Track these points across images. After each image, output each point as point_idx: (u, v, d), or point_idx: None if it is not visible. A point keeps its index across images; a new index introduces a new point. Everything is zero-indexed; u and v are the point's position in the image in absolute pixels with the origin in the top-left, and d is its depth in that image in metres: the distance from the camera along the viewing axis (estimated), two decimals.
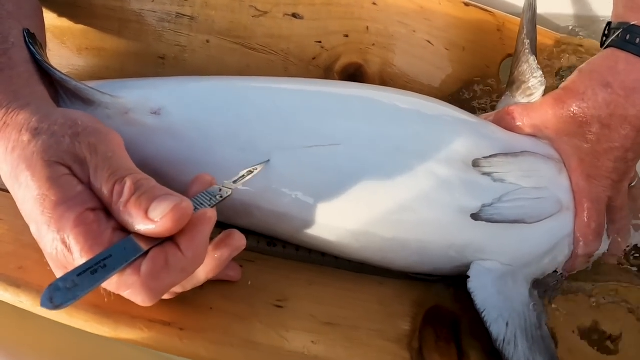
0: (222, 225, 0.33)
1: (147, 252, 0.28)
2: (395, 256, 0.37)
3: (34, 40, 0.37)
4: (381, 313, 0.37)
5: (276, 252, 0.40)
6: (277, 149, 0.35)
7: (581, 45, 0.51)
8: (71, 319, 0.33)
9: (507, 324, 0.37)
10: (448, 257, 0.38)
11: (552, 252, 0.40)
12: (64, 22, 0.46)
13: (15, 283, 0.33)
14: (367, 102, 0.37)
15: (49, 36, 0.46)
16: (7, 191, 0.40)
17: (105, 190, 0.29)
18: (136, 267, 0.28)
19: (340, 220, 0.35)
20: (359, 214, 0.35)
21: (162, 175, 0.36)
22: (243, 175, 0.34)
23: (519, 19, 0.48)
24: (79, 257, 0.27)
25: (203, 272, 0.32)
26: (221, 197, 0.31)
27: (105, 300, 0.30)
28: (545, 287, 0.44)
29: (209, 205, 0.30)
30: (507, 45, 0.47)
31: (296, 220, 0.36)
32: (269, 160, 0.35)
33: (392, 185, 0.35)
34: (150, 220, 0.27)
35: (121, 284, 0.28)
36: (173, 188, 0.29)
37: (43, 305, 0.24)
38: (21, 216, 0.36)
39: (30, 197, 0.29)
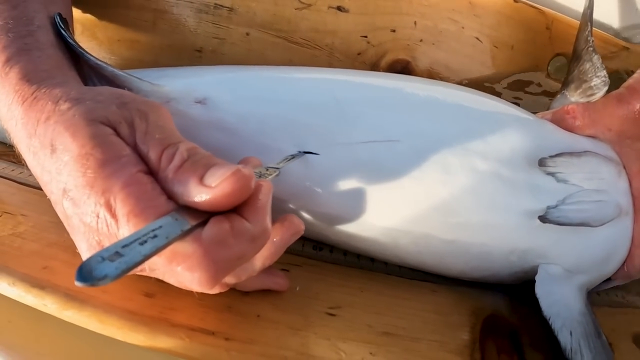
0: None
1: (200, 226, 0.24)
2: (454, 261, 0.35)
3: (65, 25, 0.35)
4: (439, 323, 0.34)
5: (323, 256, 0.37)
6: (331, 144, 0.32)
7: (627, 48, 0.49)
8: (103, 325, 0.30)
9: (570, 333, 0.35)
10: (509, 262, 0.35)
11: (609, 258, 0.38)
12: (96, 13, 0.44)
13: (40, 284, 0.29)
14: (428, 97, 0.35)
15: (79, 28, 0.44)
16: (32, 186, 0.38)
17: (152, 155, 0.25)
18: (195, 235, 0.23)
19: (397, 222, 0.33)
20: (418, 215, 0.33)
21: None
22: (286, 158, 0.31)
23: (568, 18, 0.46)
24: (124, 224, 0.23)
25: (260, 258, 0.28)
26: (270, 174, 0.28)
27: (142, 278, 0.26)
28: (596, 295, 0.42)
29: None
30: (556, 44, 0.45)
31: (349, 222, 0.33)
32: (316, 154, 0.32)
33: (454, 185, 0.33)
34: (206, 186, 0.24)
35: (176, 255, 0.23)
36: None
37: (79, 279, 0.19)
38: (46, 212, 0.34)
39: (69, 159, 0.25)
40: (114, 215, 0.24)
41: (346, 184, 0.32)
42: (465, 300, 0.37)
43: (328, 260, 0.37)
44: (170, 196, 0.25)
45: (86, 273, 0.19)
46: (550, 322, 0.34)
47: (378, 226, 0.33)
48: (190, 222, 0.23)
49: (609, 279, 0.40)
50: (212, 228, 0.24)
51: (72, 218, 0.26)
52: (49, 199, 0.29)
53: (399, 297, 0.35)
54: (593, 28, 0.40)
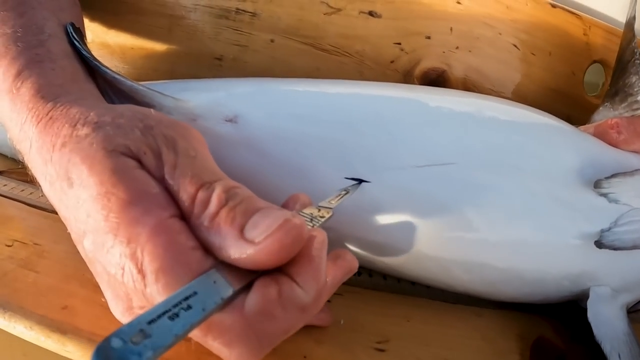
0: None
1: (238, 294, 0.20)
2: (507, 288, 0.33)
3: (78, 35, 0.32)
4: (488, 350, 0.33)
5: (363, 281, 0.35)
6: (382, 169, 0.30)
7: None
8: None
9: (619, 355, 0.33)
10: (561, 286, 0.34)
11: None
12: (106, 19, 0.41)
13: (60, 328, 0.26)
14: (479, 114, 0.33)
15: (89, 35, 0.41)
16: (44, 209, 0.35)
17: (184, 196, 0.21)
18: (236, 305, 0.20)
19: (451, 250, 0.31)
20: (473, 244, 0.31)
21: None
22: (340, 195, 0.28)
23: (606, 24, 0.44)
24: (152, 282, 0.20)
25: None
26: (322, 217, 0.25)
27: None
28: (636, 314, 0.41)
29: (312, 227, 0.24)
30: (593, 51, 0.43)
31: (399, 252, 0.31)
32: (364, 181, 0.30)
33: (511, 210, 0.31)
34: (248, 241, 0.20)
35: (213, 328, 0.20)
36: None
37: None
38: (61, 240, 0.31)
39: (87, 197, 0.21)
40: (140, 270, 0.20)
41: (397, 212, 0.30)
42: (511, 323, 0.35)
43: (368, 285, 0.35)
44: (207, 247, 0.21)
45: None
46: (603, 347, 0.33)
47: (430, 256, 0.31)
48: (232, 285, 0.20)
49: None
50: (256, 296, 0.20)
51: (95, 264, 0.23)
52: (62, 223, 0.25)
53: (445, 325, 0.34)
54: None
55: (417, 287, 0.36)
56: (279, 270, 0.21)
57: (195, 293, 0.18)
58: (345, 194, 0.28)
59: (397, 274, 0.34)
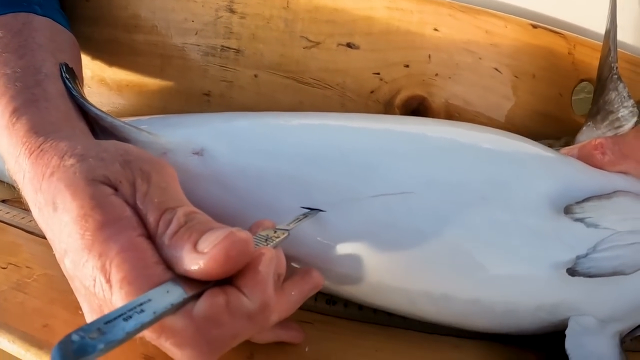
0: None
1: (194, 299, 0.23)
2: (477, 319, 0.33)
3: (70, 75, 0.34)
4: None
5: (336, 311, 0.35)
6: (339, 199, 0.31)
7: None
8: None
9: None
10: (537, 317, 0.33)
11: None
12: (104, 59, 0.44)
13: (38, 344, 0.29)
14: (442, 141, 0.33)
15: (88, 73, 0.44)
16: (40, 235, 0.38)
17: (151, 218, 0.25)
18: (186, 310, 0.22)
19: (414, 281, 0.31)
20: (437, 274, 0.31)
21: None
22: (297, 218, 0.30)
23: (592, 41, 0.43)
24: (117, 290, 0.23)
25: (276, 312, 0.27)
26: (277, 237, 0.27)
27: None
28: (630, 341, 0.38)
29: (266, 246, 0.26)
30: (580, 69, 0.42)
31: (361, 281, 0.31)
32: (323, 210, 0.31)
33: (475, 240, 0.30)
34: (199, 253, 0.23)
35: (165, 330, 0.22)
36: None
37: (56, 357, 0.18)
38: (51, 266, 0.33)
39: (68, 219, 0.25)
40: (108, 280, 0.23)
41: (358, 242, 0.30)
42: (489, 356, 0.34)
43: (342, 315, 0.35)
44: (168, 264, 0.24)
45: (64, 351, 0.18)
46: None
47: (393, 287, 0.31)
48: (187, 293, 0.22)
49: None
50: (205, 303, 0.22)
51: (74, 279, 0.26)
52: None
53: (416, 357, 0.33)
54: (619, 49, 0.37)
55: (393, 318, 0.35)
56: (229, 282, 0.23)
57: (149, 300, 0.21)
58: (304, 217, 0.29)
59: (367, 305, 0.34)
